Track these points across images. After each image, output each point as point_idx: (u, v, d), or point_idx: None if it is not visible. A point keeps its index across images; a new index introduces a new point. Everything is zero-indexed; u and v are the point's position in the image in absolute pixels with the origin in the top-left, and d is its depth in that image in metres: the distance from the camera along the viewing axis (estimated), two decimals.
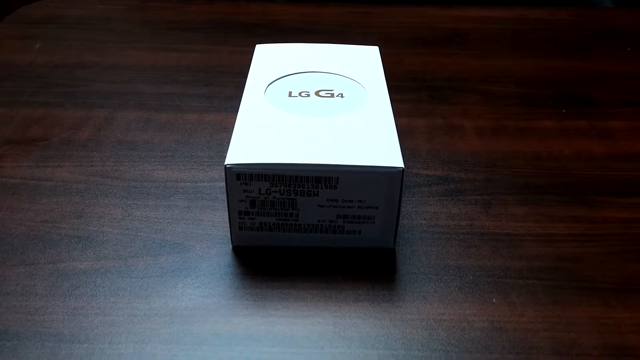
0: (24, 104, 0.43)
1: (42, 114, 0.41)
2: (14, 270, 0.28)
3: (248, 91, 0.33)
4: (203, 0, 0.64)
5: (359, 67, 0.36)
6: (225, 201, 0.32)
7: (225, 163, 0.26)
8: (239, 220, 0.28)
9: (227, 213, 0.31)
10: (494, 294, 0.27)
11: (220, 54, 0.52)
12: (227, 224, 0.31)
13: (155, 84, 0.46)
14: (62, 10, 0.61)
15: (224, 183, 0.34)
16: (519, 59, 0.52)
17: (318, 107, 0.31)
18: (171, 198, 0.33)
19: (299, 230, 0.28)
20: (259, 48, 0.39)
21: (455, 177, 0.35)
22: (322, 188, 0.27)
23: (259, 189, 0.27)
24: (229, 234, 0.30)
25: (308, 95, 0.32)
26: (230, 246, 0.29)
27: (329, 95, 0.32)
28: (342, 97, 0.32)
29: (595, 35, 0.57)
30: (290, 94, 0.32)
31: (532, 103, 0.44)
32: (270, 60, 0.37)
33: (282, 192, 0.27)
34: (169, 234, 0.30)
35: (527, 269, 0.28)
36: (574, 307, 0.26)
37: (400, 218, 0.31)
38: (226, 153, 0.35)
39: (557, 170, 0.36)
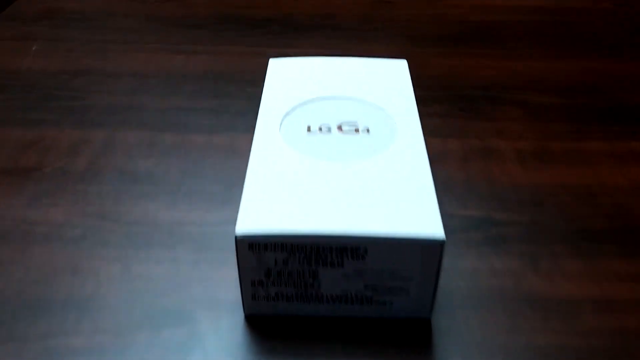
0: (19, 122, 0.39)
1: (37, 135, 0.37)
2: (1, 346, 0.24)
3: (261, 125, 0.28)
4: None
5: (385, 88, 0.31)
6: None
7: (236, 233, 0.22)
8: (252, 290, 0.24)
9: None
10: None
11: (230, 57, 0.47)
12: (239, 283, 0.27)
13: (159, 95, 0.42)
14: (61, 3, 0.56)
15: (234, 226, 0.30)
16: (560, 59, 0.47)
17: (341, 147, 0.27)
18: (176, 248, 0.29)
19: (321, 300, 0.24)
20: (273, 64, 0.34)
21: (496, 219, 0.31)
22: (347, 258, 0.23)
23: (275, 259, 0.23)
24: (240, 297, 0.26)
25: (329, 131, 0.28)
26: (243, 314, 0.26)
27: (353, 129, 0.28)
28: (367, 132, 0.28)
29: None
30: (309, 129, 0.28)
31: (578, 117, 0.39)
32: (285, 80, 0.32)
33: (301, 262, 0.23)
34: (173, 299, 0.26)
35: (586, 349, 0.24)
36: None
37: (436, 291, 0.27)
38: (239, 184, 0.31)
39: (612, 209, 0.31)
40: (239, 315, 0.25)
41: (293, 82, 0.32)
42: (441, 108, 0.40)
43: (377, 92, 0.31)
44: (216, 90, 0.42)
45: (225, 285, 0.27)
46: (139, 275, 0.27)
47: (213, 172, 0.34)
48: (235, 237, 0.22)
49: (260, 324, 0.25)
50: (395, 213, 0.23)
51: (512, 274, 0.27)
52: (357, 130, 0.28)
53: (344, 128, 0.28)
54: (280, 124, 0.28)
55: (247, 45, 0.49)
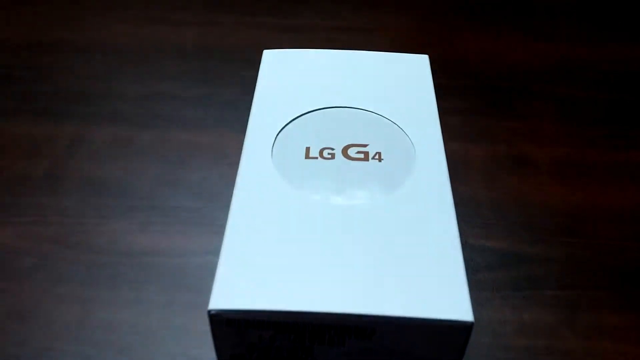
0: None
1: None
2: None
3: (250, 148, 0.23)
4: None
5: (403, 96, 0.26)
6: None
7: (209, 308, 0.18)
8: None
9: None
10: None
11: (221, 29, 0.41)
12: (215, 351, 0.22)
13: (139, 79, 0.36)
14: None
15: (215, 258, 0.26)
16: (606, 44, 0.41)
17: (346, 181, 0.22)
18: (146, 285, 0.24)
19: None
20: (268, 57, 0.29)
21: (526, 253, 0.26)
22: (350, 338, 0.18)
23: (259, 336, 0.18)
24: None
25: (332, 157, 0.23)
26: None
27: (362, 156, 0.23)
28: (379, 159, 0.23)
29: None
30: (307, 153, 0.23)
31: (626, 117, 0.34)
32: (281, 82, 0.27)
33: (291, 340, 0.19)
34: (139, 358, 0.22)
35: None
36: None
37: None
38: (225, 197, 0.26)
39: None
40: None
41: (290, 85, 0.26)
42: (463, 103, 0.35)
43: (392, 101, 0.26)
44: (205, 72, 0.37)
45: (200, 340, 0.22)
46: (101, 322, 0.23)
47: (195, 181, 0.29)
48: (209, 313, 0.18)
49: None
50: (411, 285, 0.18)
51: (544, 331, 0.23)
52: (366, 157, 0.23)
53: (350, 153, 0.23)
54: (273, 145, 0.23)
55: (242, 14, 0.43)
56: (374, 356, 0.19)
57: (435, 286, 0.18)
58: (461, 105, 0.35)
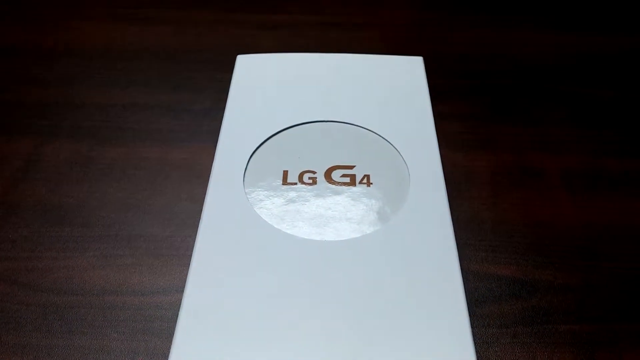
0: None
1: None
2: None
3: (219, 171, 0.21)
4: None
5: (394, 106, 0.24)
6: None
7: None
8: None
9: None
10: None
11: (196, 27, 0.39)
12: None
13: (103, 86, 0.34)
14: None
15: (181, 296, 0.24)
16: (620, 34, 0.38)
17: (329, 211, 0.20)
18: (107, 333, 0.22)
19: None
20: (242, 62, 0.26)
21: (537, 281, 0.24)
22: None
23: None
24: None
25: (314, 182, 0.21)
26: None
27: (348, 180, 0.21)
28: (368, 184, 0.21)
29: None
30: (285, 179, 0.21)
31: None
32: (256, 91, 0.25)
33: None
34: None
35: None
36: None
37: None
38: (193, 225, 0.24)
39: None
40: None
41: (266, 96, 0.24)
42: (464, 105, 0.33)
43: (382, 113, 0.23)
44: (177, 77, 0.35)
45: None
46: None
47: (165, 205, 0.27)
48: None
49: None
50: (405, 336, 0.16)
51: None
52: (352, 181, 0.21)
53: (334, 177, 0.21)
54: (245, 170, 0.21)
55: (221, 10, 0.41)
56: None
57: (435, 329, 0.16)
58: (462, 108, 0.32)
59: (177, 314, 0.22)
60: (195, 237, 0.25)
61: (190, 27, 0.39)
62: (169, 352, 0.22)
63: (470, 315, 0.22)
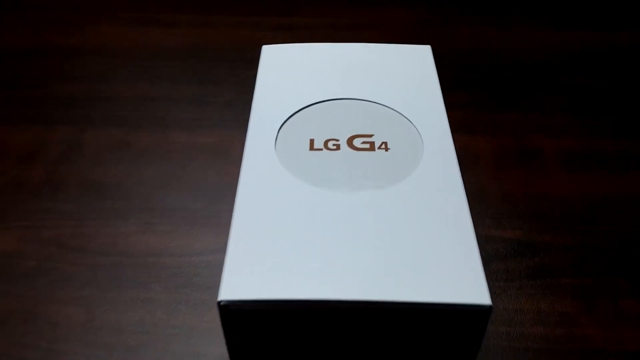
0: None
1: None
2: None
3: (252, 142, 0.24)
4: None
5: (406, 86, 0.27)
6: None
7: (219, 298, 0.19)
8: (241, 357, 0.21)
9: None
10: None
11: (218, 28, 0.42)
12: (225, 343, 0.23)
13: (132, 81, 0.37)
14: None
15: (220, 256, 0.26)
16: (617, 31, 0.42)
17: (353, 171, 0.23)
18: (152, 286, 0.25)
19: None
20: (267, 51, 0.30)
21: (539, 242, 0.27)
22: (364, 326, 0.19)
23: (271, 326, 0.19)
24: (228, 356, 0.23)
25: (337, 148, 0.24)
26: None
27: (368, 146, 0.24)
28: (386, 149, 0.24)
29: None
30: (312, 145, 0.24)
31: (637, 106, 0.35)
32: (282, 76, 0.28)
33: (304, 329, 0.19)
34: (148, 356, 0.23)
35: None
36: None
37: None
38: (228, 196, 0.27)
39: None
40: None
41: (291, 79, 0.28)
42: (470, 95, 0.36)
43: (396, 91, 0.27)
44: (200, 72, 0.38)
45: (210, 337, 0.23)
46: (106, 323, 0.24)
47: (196, 182, 0.30)
48: (219, 304, 0.19)
49: None
50: (425, 271, 0.19)
51: (562, 320, 0.24)
52: (372, 147, 0.24)
53: (355, 144, 0.24)
54: (276, 138, 0.24)
55: (239, 14, 0.44)
56: (388, 346, 0.20)
57: (451, 272, 0.19)
58: (468, 98, 0.36)
59: (213, 271, 0.25)
60: (226, 208, 0.28)
61: (210, 29, 0.42)
62: (206, 300, 0.25)
63: None
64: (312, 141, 0.24)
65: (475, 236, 0.20)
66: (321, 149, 0.24)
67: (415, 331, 0.19)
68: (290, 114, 0.25)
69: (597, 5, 0.45)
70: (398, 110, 0.26)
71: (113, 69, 0.38)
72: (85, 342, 0.23)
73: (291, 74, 0.28)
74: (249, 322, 0.19)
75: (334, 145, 0.24)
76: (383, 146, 0.24)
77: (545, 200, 0.29)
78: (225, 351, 0.21)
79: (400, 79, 0.28)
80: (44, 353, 0.23)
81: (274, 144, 0.24)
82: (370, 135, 0.24)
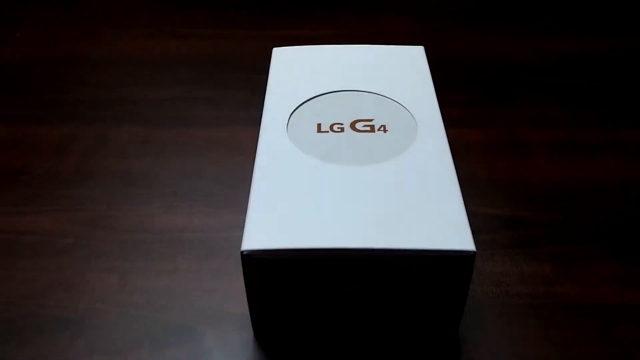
0: (2, 118, 0.38)
1: (22, 132, 0.37)
2: None
3: (267, 124, 0.27)
4: None
5: (402, 80, 0.30)
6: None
7: (242, 249, 0.22)
8: (261, 311, 0.24)
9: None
10: None
11: (229, 40, 0.46)
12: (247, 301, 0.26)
13: (153, 85, 0.41)
14: None
15: (239, 232, 0.30)
16: (596, 37, 0.46)
17: (355, 149, 0.26)
18: (177, 258, 0.28)
19: (338, 322, 0.24)
20: (277, 53, 0.33)
21: (524, 218, 0.30)
22: (368, 275, 0.22)
23: (287, 277, 0.22)
24: (248, 311, 0.26)
25: (342, 130, 0.27)
26: (252, 330, 0.25)
27: (369, 128, 0.27)
28: (384, 131, 0.27)
29: None
30: (319, 128, 0.27)
31: (618, 101, 0.38)
32: (291, 72, 0.31)
33: (316, 280, 0.22)
34: (175, 313, 0.26)
35: None
36: None
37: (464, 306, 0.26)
38: (244, 181, 0.31)
39: None
40: (248, 332, 0.25)
41: (300, 75, 0.31)
42: (463, 96, 0.39)
43: (392, 84, 0.30)
44: (216, 78, 0.42)
45: (231, 297, 0.26)
46: (137, 288, 0.27)
47: (214, 170, 0.33)
48: (242, 254, 0.22)
49: (271, 342, 0.25)
50: (419, 224, 0.22)
51: (543, 279, 0.27)
52: (372, 129, 0.27)
53: (358, 127, 0.27)
54: (287, 122, 0.28)
55: (249, 28, 0.48)
56: (390, 294, 0.23)
57: (441, 225, 0.22)
58: (462, 98, 0.39)
59: (232, 244, 0.29)
60: (242, 192, 0.31)
61: (223, 41, 0.46)
62: (228, 268, 0.28)
63: None
64: (319, 125, 0.27)
65: (461, 195, 0.23)
66: (327, 131, 0.27)
67: (410, 278, 0.22)
68: (299, 103, 0.29)
69: (586, 13, 0.49)
70: (395, 99, 0.29)
71: (135, 75, 0.42)
72: (118, 302, 0.26)
73: (299, 70, 0.31)
74: (268, 270, 0.22)
75: (338, 128, 0.27)
76: (382, 129, 0.27)
77: (530, 184, 0.32)
78: (246, 308, 0.24)
79: (396, 74, 0.31)
80: (83, 312, 0.26)
81: (285, 127, 0.27)
82: (371, 120, 0.28)
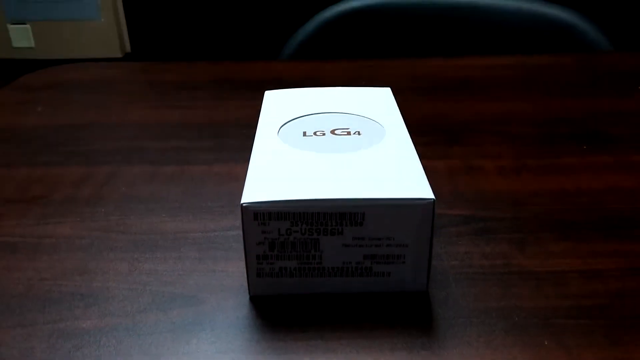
0: (25, 163, 0.41)
1: (43, 173, 0.40)
2: (9, 333, 0.25)
3: (260, 133, 0.31)
4: (207, 62, 0.64)
5: (373, 106, 0.35)
6: (240, 250, 0.30)
7: (242, 202, 0.24)
8: (257, 266, 0.26)
9: (242, 262, 0.29)
10: (545, 336, 0.24)
11: (226, 109, 0.51)
12: (243, 274, 0.28)
13: (160, 139, 0.45)
14: (65, 76, 0.61)
15: (237, 232, 0.32)
16: (531, 101, 0.52)
17: (335, 145, 0.30)
18: (181, 249, 0.30)
19: (323, 274, 0.26)
20: (269, 94, 0.38)
21: (482, 216, 0.33)
22: (347, 225, 0.25)
23: (279, 229, 0.25)
24: (245, 284, 0.28)
25: (323, 134, 0.31)
26: (248, 296, 0.27)
27: (345, 133, 0.31)
28: (359, 134, 0.31)
29: (601, 76, 0.57)
30: (304, 134, 0.31)
31: (552, 141, 0.43)
32: (281, 104, 0.36)
33: (303, 232, 0.25)
34: (180, 287, 0.28)
35: (577, 308, 0.26)
36: (637, 347, 0.24)
37: (431, 260, 0.29)
38: (239, 198, 0.34)
39: (589, 205, 0.34)
40: (244, 297, 0.27)
41: (288, 104, 0.35)
42: (427, 138, 0.44)
43: (365, 108, 0.35)
44: (214, 133, 0.46)
45: (230, 275, 0.28)
46: (145, 271, 0.29)
47: (213, 192, 0.36)
48: (241, 206, 0.24)
49: (265, 303, 0.26)
50: (389, 182, 0.26)
51: (501, 256, 0.29)
52: (349, 133, 0.31)
53: (337, 132, 0.31)
54: (278, 131, 0.31)
55: (243, 100, 0.53)
56: (365, 245, 0.25)
57: (406, 182, 0.25)
58: (425, 140, 0.44)
59: (231, 241, 0.31)
60: (238, 208, 0.34)
61: (220, 110, 0.51)
62: (228, 256, 0.30)
63: (434, 234, 0.31)
64: (304, 132, 0.31)
65: (420, 162, 0.27)
66: (312, 135, 0.31)
67: (383, 230, 0.25)
68: (288, 120, 0.33)
69: (521, 86, 0.55)
70: (367, 117, 0.33)
71: (144, 134, 0.46)
72: (128, 281, 0.28)
73: (287, 102, 0.36)
74: (262, 224, 0.25)
75: (320, 133, 0.31)
76: (356, 133, 0.31)
77: (486, 194, 0.36)
78: (244, 282, 0.27)
79: (368, 102, 0.36)
80: (96, 289, 0.27)
81: (277, 133, 0.31)
82: (347, 128, 0.32)
